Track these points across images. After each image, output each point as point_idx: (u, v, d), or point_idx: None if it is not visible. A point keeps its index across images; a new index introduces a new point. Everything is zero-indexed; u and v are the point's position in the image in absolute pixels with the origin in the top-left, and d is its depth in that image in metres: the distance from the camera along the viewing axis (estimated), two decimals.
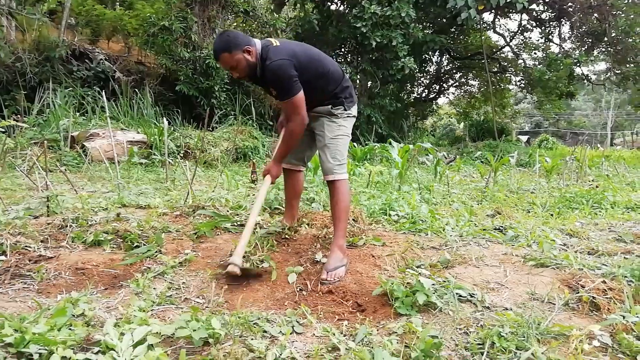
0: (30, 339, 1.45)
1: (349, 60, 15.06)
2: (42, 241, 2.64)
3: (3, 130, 3.59)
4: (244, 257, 2.44)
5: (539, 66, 16.44)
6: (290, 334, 1.78)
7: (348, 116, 2.81)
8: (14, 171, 5.05)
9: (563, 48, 17.22)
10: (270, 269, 2.47)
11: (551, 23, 17.06)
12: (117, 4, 13.02)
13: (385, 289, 2.11)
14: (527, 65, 17.95)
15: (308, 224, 3.45)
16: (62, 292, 2.07)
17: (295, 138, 2.62)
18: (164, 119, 6.35)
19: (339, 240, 2.59)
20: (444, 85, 21.50)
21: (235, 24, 12.58)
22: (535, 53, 18.23)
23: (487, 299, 2.10)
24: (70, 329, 1.59)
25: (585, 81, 18.05)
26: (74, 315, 1.74)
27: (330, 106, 2.73)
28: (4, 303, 1.89)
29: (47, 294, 2.05)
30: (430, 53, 17.64)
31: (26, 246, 2.50)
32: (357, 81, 15.26)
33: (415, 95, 20.38)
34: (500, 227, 3.62)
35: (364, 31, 11.98)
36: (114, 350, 1.47)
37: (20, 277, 2.20)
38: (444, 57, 19.77)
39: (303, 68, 2.51)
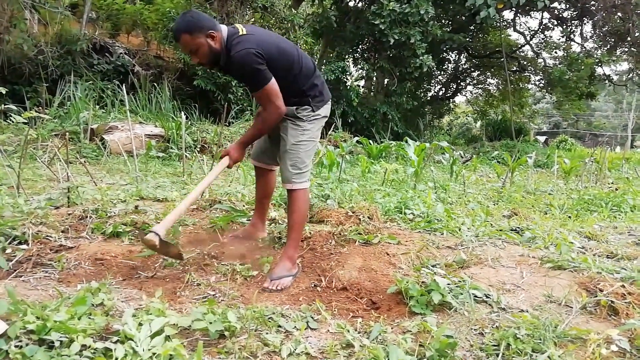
0: (51, 327, 1.48)
1: (366, 57, 15.01)
2: (62, 231, 2.69)
3: (25, 121, 3.66)
4: None
5: (559, 66, 16.22)
6: (305, 329, 1.80)
7: (315, 118, 2.54)
8: (35, 162, 5.15)
9: (584, 47, 16.95)
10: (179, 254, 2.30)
11: (573, 22, 16.79)
12: None
13: (400, 287, 2.11)
14: (547, 65, 17.73)
15: (323, 221, 3.46)
16: (82, 281, 2.11)
17: (268, 126, 2.43)
18: (182, 113, 6.41)
19: (289, 250, 2.49)
20: (462, 83, 21.33)
21: (253, 19, 12.62)
22: (555, 52, 17.99)
23: (503, 300, 2.09)
24: (90, 318, 1.62)
25: (607, 81, 17.74)
26: (93, 305, 1.78)
27: (295, 107, 2.47)
28: (26, 291, 1.94)
29: (68, 283, 2.09)
30: (448, 51, 17.51)
31: (47, 236, 2.56)
32: (374, 78, 15.22)
33: (432, 93, 20.28)
34: (517, 228, 3.59)
35: (382, 28, 11.92)
36: (133, 340, 1.50)
37: (42, 266, 2.25)
38: (462, 55, 19.60)
39: (270, 59, 2.27)
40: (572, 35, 17.14)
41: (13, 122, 3.75)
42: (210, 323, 1.68)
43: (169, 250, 2.21)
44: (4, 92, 3.91)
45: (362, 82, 17.04)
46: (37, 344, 1.44)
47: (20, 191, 3.48)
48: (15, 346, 1.41)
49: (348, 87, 13.70)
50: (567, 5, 16.14)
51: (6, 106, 3.75)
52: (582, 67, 15.12)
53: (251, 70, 2.23)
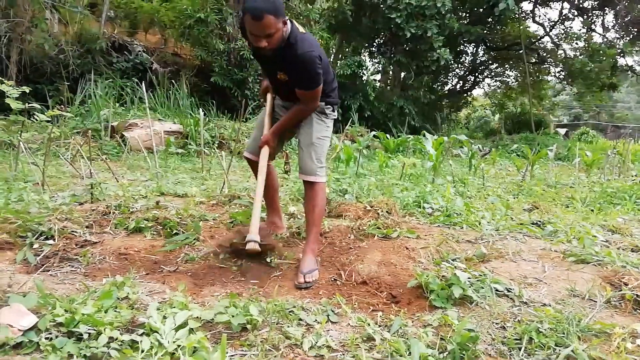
0: (79, 319, 1.53)
1: (382, 51, 14.91)
2: (87, 227, 2.75)
3: (48, 120, 3.74)
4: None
5: (580, 57, 15.90)
6: (326, 322, 1.81)
7: (334, 117, 2.68)
8: (58, 159, 5.26)
9: (606, 38, 16.61)
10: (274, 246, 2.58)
11: (594, 12, 16.44)
12: None
13: (420, 281, 2.10)
14: (568, 56, 17.38)
15: (341, 216, 3.47)
16: (107, 275, 2.15)
17: (302, 118, 2.54)
18: (200, 109, 6.47)
19: (312, 244, 2.51)
20: (479, 76, 21.04)
21: None
22: (576, 43, 17.64)
23: (525, 294, 2.07)
24: (116, 311, 1.65)
25: (629, 72, 17.33)
26: (119, 298, 1.82)
27: (323, 103, 2.56)
28: (54, 285, 1.99)
29: (93, 277, 2.14)
30: (465, 44, 17.30)
31: (72, 231, 2.61)
32: (391, 72, 15.12)
33: (449, 86, 20.07)
34: (538, 222, 3.54)
35: (399, 22, 11.83)
36: (158, 332, 1.53)
37: (68, 261, 2.30)
38: (480, 47, 19.32)
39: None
40: (593, 26, 16.80)
41: (36, 120, 3.83)
42: (233, 316, 1.71)
43: (267, 247, 2.38)
44: (27, 91, 4.01)
45: (378, 77, 16.95)
46: (66, 336, 1.48)
47: (45, 188, 3.57)
48: (46, 338, 1.46)
49: (364, 81, 13.65)
50: None
51: (29, 105, 3.83)
52: (604, 58, 14.81)
53: (315, 72, 2.29)
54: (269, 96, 2.70)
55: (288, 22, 2.27)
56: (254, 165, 2.76)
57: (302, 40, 2.27)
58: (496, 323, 1.82)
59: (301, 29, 2.36)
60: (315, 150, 2.54)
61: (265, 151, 2.55)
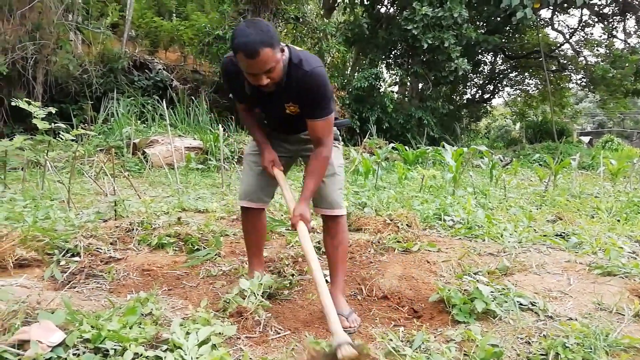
0: (106, 336, 1.55)
1: (399, 62, 14.93)
2: (111, 243, 2.81)
3: (73, 138, 3.84)
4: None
5: (601, 63, 15.65)
6: None
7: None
8: (83, 177, 5.38)
9: (628, 43, 16.31)
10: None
11: (614, 17, 16.21)
12: (174, 15, 13.59)
13: (442, 295, 2.08)
14: (589, 63, 17.11)
15: (361, 229, 3.47)
16: (131, 291, 2.19)
17: (327, 165, 2.05)
18: (219, 125, 6.56)
19: (343, 284, 2.20)
20: (499, 85, 20.86)
21: (286, 30, 12.80)
22: (597, 49, 17.35)
23: (550, 308, 2.03)
24: (140, 327, 1.68)
25: None
26: (143, 314, 1.84)
27: (336, 127, 2.17)
28: (80, 301, 2.03)
29: (118, 294, 2.18)
30: (483, 53, 17.21)
31: (97, 248, 2.68)
32: (408, 84, 15.12)
33: (468, 96, 19.94)
34: (562, 234, 3.48)
35: (415, 33, 11.85)
36: (181, 348, 1.55)
37: (94, 277, 2.35)
38: (498, 56, 19.19)
39: None
40: (614, 32, 16.54)
41: (62, 139, 3.94)
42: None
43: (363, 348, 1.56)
44: (53, 111, 4.14)
45: (396, 88, 16.96)
46: (92, 352, 1.51)
47: (71, 205, 3.66)
48: (74, 354, 1.48)
49: (382, 93, 13.66)
50: (608, 1, 15.61)
51: (55, 124, 3.95)
52: (626, 64, 14.56)
53: (328, 90, 1.95)
54: (277, 172, 2.12)
55: (284, 47, 1.90)
56: (253, 213, 2.27)
57: (306, 58, 1.92)
58: (521, 338, 1.79)
59: (298, 48, 1.99)
60: (338, 180, 2.18)
61: (304, 228, 1.92)
